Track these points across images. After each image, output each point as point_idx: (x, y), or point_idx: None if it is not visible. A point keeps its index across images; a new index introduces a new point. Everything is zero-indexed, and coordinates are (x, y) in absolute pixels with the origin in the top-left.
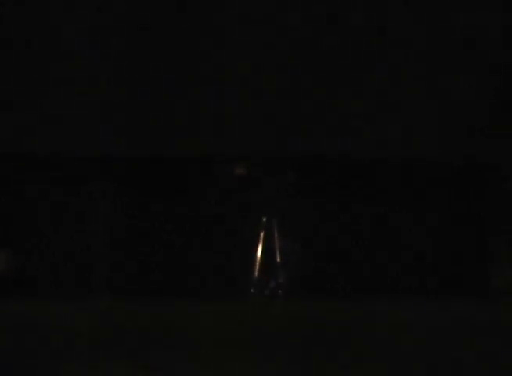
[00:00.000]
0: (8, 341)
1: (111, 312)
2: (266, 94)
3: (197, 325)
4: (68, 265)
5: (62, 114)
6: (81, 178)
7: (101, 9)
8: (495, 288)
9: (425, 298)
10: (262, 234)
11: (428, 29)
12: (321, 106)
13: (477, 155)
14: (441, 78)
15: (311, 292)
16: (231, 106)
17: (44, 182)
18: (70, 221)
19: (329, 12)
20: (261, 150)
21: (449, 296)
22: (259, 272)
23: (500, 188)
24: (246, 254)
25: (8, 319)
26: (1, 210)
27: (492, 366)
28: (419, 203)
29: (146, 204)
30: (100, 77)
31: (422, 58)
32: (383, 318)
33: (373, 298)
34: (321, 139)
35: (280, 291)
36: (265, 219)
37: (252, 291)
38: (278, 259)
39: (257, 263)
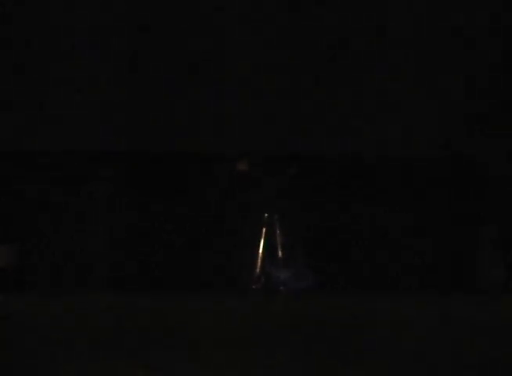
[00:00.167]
0: (8, 341)
1: (111, 311)
2: (266, 94)
3: (198, 324)
4: (68, 265)
5: (62, 114)
6: (81, 178)
7: (101, 9)
8: (494, 286)
9: (426, 295)
10: (264, 230)
11: (428, 29)
12: (321, 106)
13: (477, 155)
14: (441, 78)
15: (312, 290)
16: (231, 106)
17: (44, 182)
18: (69, 221)
19: (329, 12)
20: (261, 150)
21: (449, 294)
22: (260, 268)
23: (500, 188)
24: (246, 252)
25: (8, 319)
26: (0, 209)
27: (491, 364)
28: (419, 203)
29: (145, 203)
30: (100, 77)
31: (422, 58)
32: (384, 315)
33: (374, 296)
34: (321, 139)
35: (282, 288)
36: (266, 215)
37: (253, 287)
38: (280, 255)
39: (259, 259)
